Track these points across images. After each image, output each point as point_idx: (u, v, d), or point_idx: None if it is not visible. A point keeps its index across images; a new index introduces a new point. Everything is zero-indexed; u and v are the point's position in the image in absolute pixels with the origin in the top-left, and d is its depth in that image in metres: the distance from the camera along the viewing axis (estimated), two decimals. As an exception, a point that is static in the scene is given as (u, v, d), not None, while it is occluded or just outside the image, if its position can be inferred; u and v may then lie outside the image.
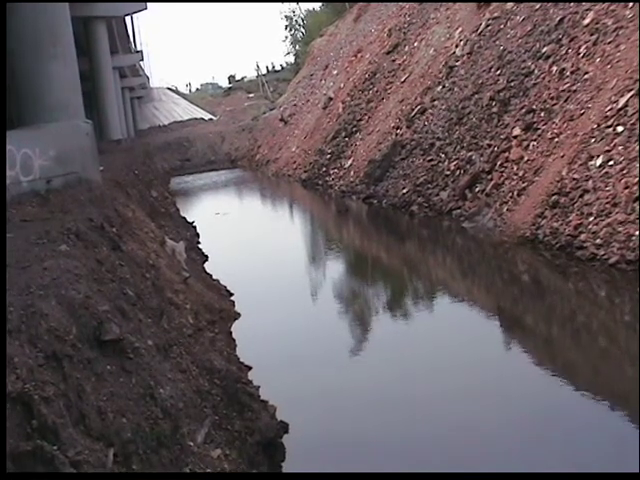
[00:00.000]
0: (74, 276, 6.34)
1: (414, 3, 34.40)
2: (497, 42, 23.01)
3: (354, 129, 32.56)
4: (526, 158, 17.80)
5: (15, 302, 5.08)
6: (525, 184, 17.17)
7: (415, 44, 31.73)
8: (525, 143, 18.20)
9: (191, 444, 6.00)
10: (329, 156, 33.27)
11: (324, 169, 33.05)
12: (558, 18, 19.84)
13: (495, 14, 24.37)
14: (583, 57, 17.70)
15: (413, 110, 26.23)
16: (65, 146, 11.96)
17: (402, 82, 30.24)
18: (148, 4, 33.57)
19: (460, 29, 27.09)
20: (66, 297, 5.72)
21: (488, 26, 24.44)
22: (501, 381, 9.41)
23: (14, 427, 3.77)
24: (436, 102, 24.99)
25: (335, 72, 43.50)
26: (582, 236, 13.88)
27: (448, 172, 21.17)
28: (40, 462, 3.51)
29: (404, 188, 23.15)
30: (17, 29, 13.06)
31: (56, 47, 13.24)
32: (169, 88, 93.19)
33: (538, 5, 21.41)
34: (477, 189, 19.17)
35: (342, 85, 38.92)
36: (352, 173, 29.13)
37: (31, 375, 4.29)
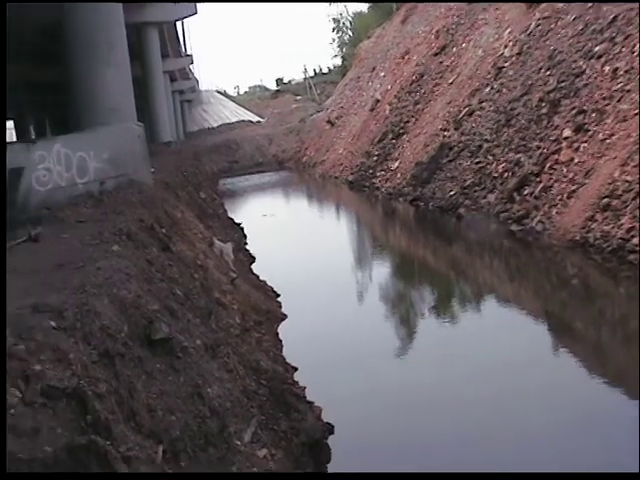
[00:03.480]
0: (125, 276, 6.45)
1: (462, 4, 34.09)
2: (547, 42, 22.62)
3: (401, 131, 32.50)
4: (576, 160, 17.47)
5: (70, 300, 5.18)
6: (575, 186, 16.85)
7: (463, 45, 31.45)
8: (575, 145, 17.86)
9: (238, 443, 6.06)
10: (376, 158, 33.28)
11: (371, 171, 33.08)
12: (612, 16, 19.36)
13: (545, 13, 23.96)
14: (638, 55, 17.28)
15: (461, 112, 26.05)
16: (118, 149, 12.18)
17: (450, 84, 30.04)
18: (198, 7, 33.95)
19: (509, 29, 26.74)
20: (118, 296, 5.85)
21: (538, 26, 24.03)
22: (549, 386, 9.25)
23: (69, 421, 3.87)
24: (484, 104, 24.74)
25: (382, 74, 43.36)
26: (634, 240, 13.57)
27: (496, 174, 20.93)
28: (94, 456, 3.60)
29: (451, 190, 23.01)
30: (73, 35, 13.44)
31: (111, 53, 13.59)
32: (218, 91, 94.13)
33: (590, 3, 20.96)
34: (525, 192, 18.89)
35: (389, 87, 38.82)
36: (399, 175, 29.05)
37: (85, 372, 4.40)
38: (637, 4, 18.20)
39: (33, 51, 28.82)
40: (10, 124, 44.11)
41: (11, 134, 43.63)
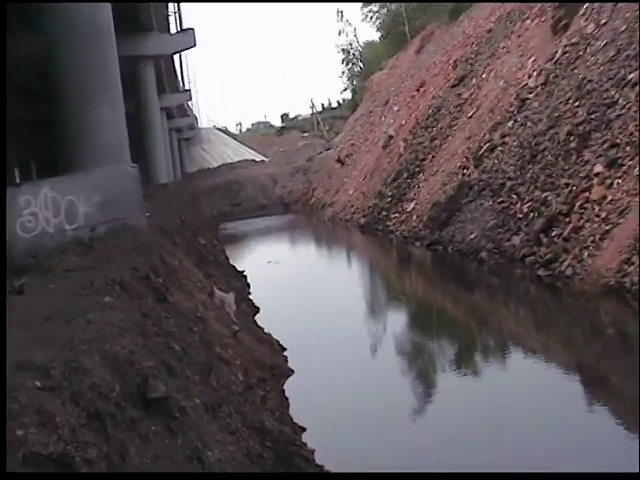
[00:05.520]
0: (118, 329, 6.46)
1: (481, 32, 34.64)
2: (575, 70, 22.71)
3: (417, 169, 32.78)
4: (610, 198, 17.41)
5: (57, 357, 5.16)
6: (609, 227, 16.76)
7: (483, 76, 31.84)
8: (608, 181, 17.80)
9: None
10: (390, 199, 33.56)
11: (384, 213, 33.38)
12: (646, 41, 19.51)
13: (573, 40, 24.14)
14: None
15: (481, 148, 26.21)
16: (110, 192, 12.26)
17: (469, 117, 30.34)
18: (196, 39, 34.60)
19: (533, 58, 27.03)
20: (110, 352, 5.84)
21: (565, 53, 24.19)
22: (580, 444, 9.16)
23: (55, 490, 3.87)
24: (507, 138, 24.88)
25: (396, 108, 43.89)
26: (676, 285, 13.50)
27: (521, 215, 20.90)
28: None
29: (472, 233, 23.06)
30: (63, 72, 13.71)
31: (104, 89, 13.84)
32: (218, 128, 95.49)
33: (623, 27, 21.01)
34: (554, 233, 18.85)
35: (404, 122, 39.26)
36: (415, 217, 29.24)
37: (73, 435, 4.37)
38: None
39: (16, 87, 29.06)
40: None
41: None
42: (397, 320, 18.87)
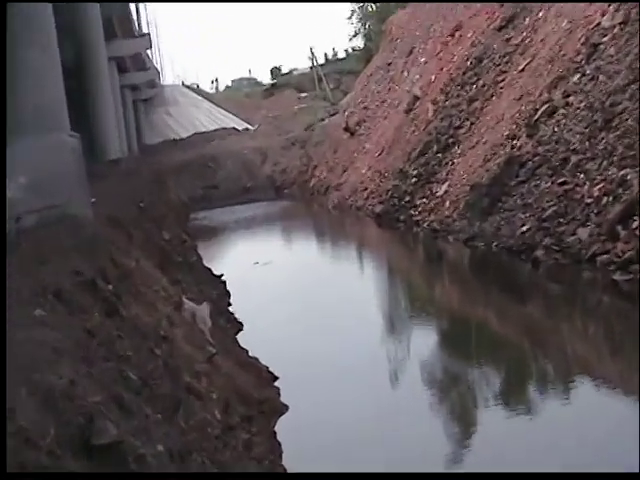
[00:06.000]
0: (54, 354, 6.43)
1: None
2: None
3: (450, 141, 32.93)
4: None
5: (-31, 393, 5.14)
6: None
7: (540, 14, 31.70)
8: None
9: None
10: (415, 180, 33.70)
11: (407, 198, 33.55)
12: None
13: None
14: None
15: (537, 111, 26.18)
16: (42, 170, 12.25)
17: (520, 71, 30.30)
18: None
19: (608, -12, 26.81)
20: (42, 384, 5.78)
21: (652, -18, 24.02)
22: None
23: None
24: (571, 98, 24.78)
25: (423, 59, 43.89)
26: None
27: (590, 200, 20.81)
28: None
29: (524, 225, 23.03)
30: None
31: (30, 28, 13.65)
32: (187, 86, 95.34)
33: None
34: (635, 224, 18.75)
35: (433, 78, 39.37)
36: (447, 204, 29.43)
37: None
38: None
39: None
40: None
41: None
42: (425, 341, 18.69)
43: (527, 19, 32.53)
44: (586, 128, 22.94)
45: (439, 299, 23.95)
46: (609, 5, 25.85)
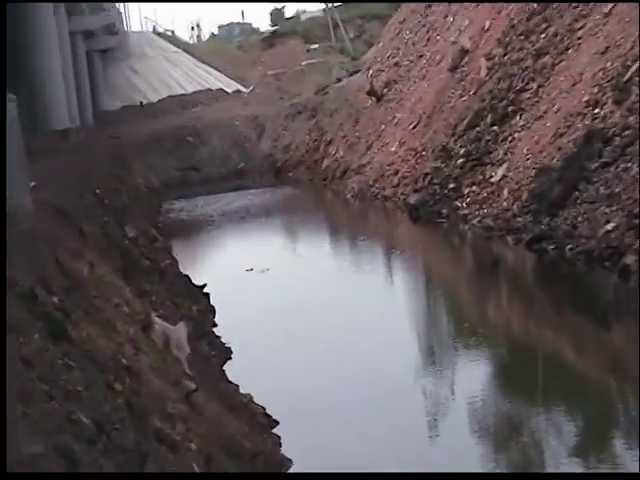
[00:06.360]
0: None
1: None
2: None
3: (510, 109, 32.29)
4: None
5: None
6: None
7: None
8: None
9: None
10: (462, 161, 33.35)
11: (452, 186, 33.23)
12: None
13: None
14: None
15: (628, 69, 25.87)
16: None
17: (606, 14, 29.82)
18: None
19: None
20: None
21: None
22: None
23: None
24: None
25: None
26: None
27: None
28: None
29: (608, 222, 22.75)
30: None
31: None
32: (160, 34, 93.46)
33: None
34: None
35: (487, 25, 38.75)
36: (505, 193, 29.19)
37: None
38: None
39: None
40: None
41: None
42: (475, 377, 18.32)
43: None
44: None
45: (494, 322, 23.53)
46: None
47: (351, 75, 60.37)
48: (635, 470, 9.29)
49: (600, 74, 27.39)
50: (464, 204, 31.54)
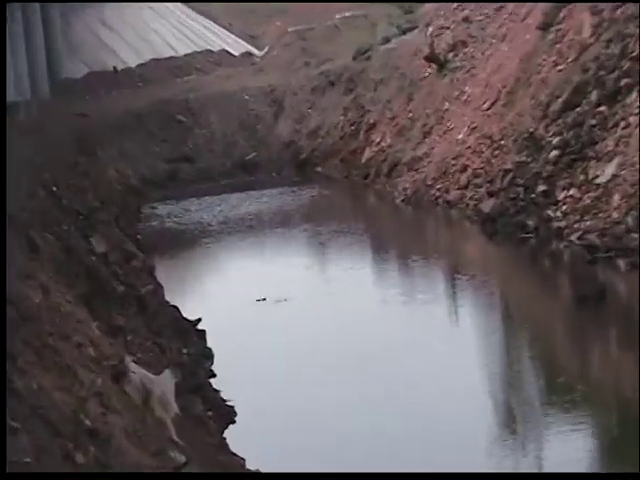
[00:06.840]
0: None
1: None
2: None
3: (623, 82, 29.37)
4: None
5: None
6: None
7: None
8: None
9: None
10: (556, 154, 30.58)
11: (542, 188, 30.41)
12: None
13: None
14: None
15: None
16: None
17: None
18: None
19: None
20: None
21: None
22: None
23: None
24: None
25: None
26: None
27: None
28: None
29: None
30: None
31: None
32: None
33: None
34: None
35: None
36: (616, 199, 27.06)
37: None
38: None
39: None
40: None
41: None
42: (571, 453, 16.44)
43: None
44: None
45: (599, 376, 21.67)
46: None
47: (403, 33, 52.26)
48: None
49: None
50: (559, 214, 28.92)
